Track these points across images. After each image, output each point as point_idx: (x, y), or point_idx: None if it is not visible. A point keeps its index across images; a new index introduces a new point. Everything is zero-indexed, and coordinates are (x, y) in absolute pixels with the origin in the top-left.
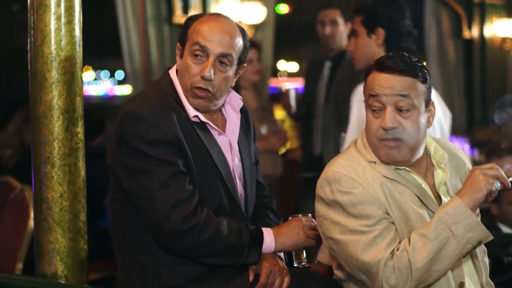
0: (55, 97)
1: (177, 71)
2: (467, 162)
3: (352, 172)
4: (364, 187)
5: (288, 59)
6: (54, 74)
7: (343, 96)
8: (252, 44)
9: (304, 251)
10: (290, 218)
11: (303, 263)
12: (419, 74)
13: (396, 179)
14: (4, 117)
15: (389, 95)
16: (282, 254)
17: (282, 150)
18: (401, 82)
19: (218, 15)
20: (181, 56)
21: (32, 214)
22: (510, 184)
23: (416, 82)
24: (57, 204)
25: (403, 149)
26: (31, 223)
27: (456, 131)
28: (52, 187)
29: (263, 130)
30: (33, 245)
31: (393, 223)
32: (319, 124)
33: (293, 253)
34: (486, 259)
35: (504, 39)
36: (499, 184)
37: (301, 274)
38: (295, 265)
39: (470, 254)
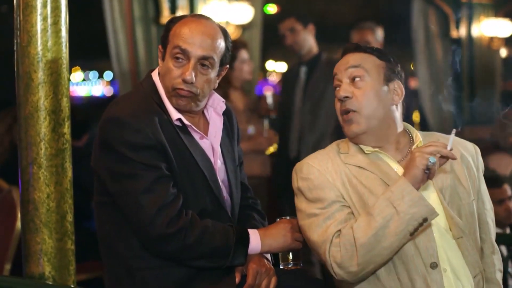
0: (41, 98)
1: (159, 73)
2: (468, 154)
3: (315, 162)
4: (320, 172)
5: (276, 59)
6: (40, 75)
7: (319, 97)
8: (241, 44)
9: (290, 253)
10: (278, 220)
11: (289, 265)
12: (374, 52)
13: (361, 165)
14: None
15: (343, 70)
16: (268, 255)
17: (270, 150)
18: (353, 57)
19: (199, 16)
20: (163, 59)
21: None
22: (452, 155)
23: (369, 56)
24: (44, 205)
25: (359, 120)
26: (19, 224)
27: (444, 130)
28: (39, 188)
29: (251, 130)
30: (21, 246)
31: (349, 207)
32: (296, 126)
33: (280, 255)
34: (496, 257)
35: (491, 38)
36: (434, 159)
37: (288, 274)
38: (281, 267)
39: (459, 239)
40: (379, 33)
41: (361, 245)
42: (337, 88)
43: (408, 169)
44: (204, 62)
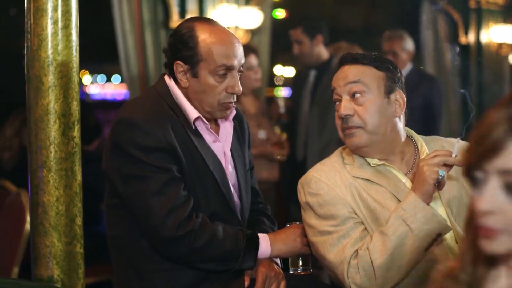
0: (51, 101)
1: (187, 88)
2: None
3: (323, 175)
4: (330, 187)
5: (284, 64)
6: (50, 78)
7: (327, 103)
8: (252, 50)
9: (300, 258)
10: (288, 225)
11: (298, 271)
12: (373, 62)
13: (369, 178)
14: (4, 120)
15: (342, 85)
16: (278, 260)
17: (279, 155)
18: (351, 70)
19: (215, 23)
20: (193, 75)
21: (28, 218)
22: (458, 162)
23: (367, 68)
24: (54, 208)
25: (361, 135)
26: (27, 227)
27: (452, 136)
28: (49, 191)
29: (261, 135)
30: (29, 249)
31: (362, 223)
32: (302, 130)
33: (289, 260)
34: None
35: (500, 45)
36: (444, 172)
37: (297, 278)
38: (291, 272)
39: None
40: (409, 42)
41: (379, 266)
42: (337, 103)
43: (418, 184)
44: (241, 68)
